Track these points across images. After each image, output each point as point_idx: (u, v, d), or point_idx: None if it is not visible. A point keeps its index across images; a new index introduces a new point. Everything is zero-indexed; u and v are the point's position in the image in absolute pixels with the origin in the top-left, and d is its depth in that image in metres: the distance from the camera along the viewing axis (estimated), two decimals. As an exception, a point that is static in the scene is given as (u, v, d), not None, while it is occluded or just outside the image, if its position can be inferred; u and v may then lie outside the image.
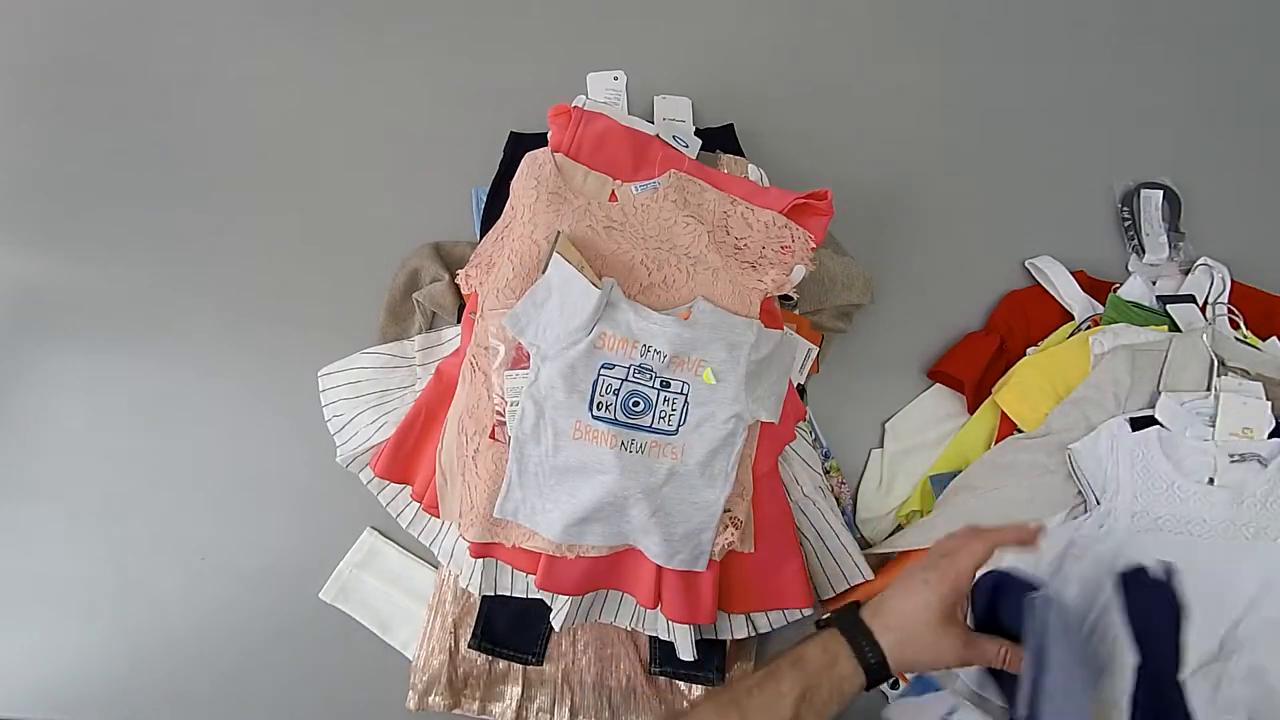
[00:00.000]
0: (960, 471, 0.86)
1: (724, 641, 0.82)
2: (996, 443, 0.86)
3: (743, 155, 0.95)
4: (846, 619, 0.62)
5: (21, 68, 1.04)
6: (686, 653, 0.78)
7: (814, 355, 0.89)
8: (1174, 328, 0.87)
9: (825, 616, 0.64)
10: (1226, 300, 0.89)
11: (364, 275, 0.94)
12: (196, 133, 1.01)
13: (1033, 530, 0.62)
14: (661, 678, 0.84)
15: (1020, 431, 0.86)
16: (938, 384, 0.93)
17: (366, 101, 1.02)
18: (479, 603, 0.85)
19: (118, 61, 1.04)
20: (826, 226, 0.84)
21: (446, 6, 1.05)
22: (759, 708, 0.58)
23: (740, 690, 0.60)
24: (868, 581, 0.82)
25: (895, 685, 0.84)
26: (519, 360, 0.78)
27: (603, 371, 0.76)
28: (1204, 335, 0.83)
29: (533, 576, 0.79)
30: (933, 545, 0.66)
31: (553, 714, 0.84)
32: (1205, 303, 0.89)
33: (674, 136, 0.91)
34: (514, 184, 0.85)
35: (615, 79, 1.01)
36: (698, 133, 0.95)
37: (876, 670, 0.60)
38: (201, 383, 0.94)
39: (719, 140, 0.96)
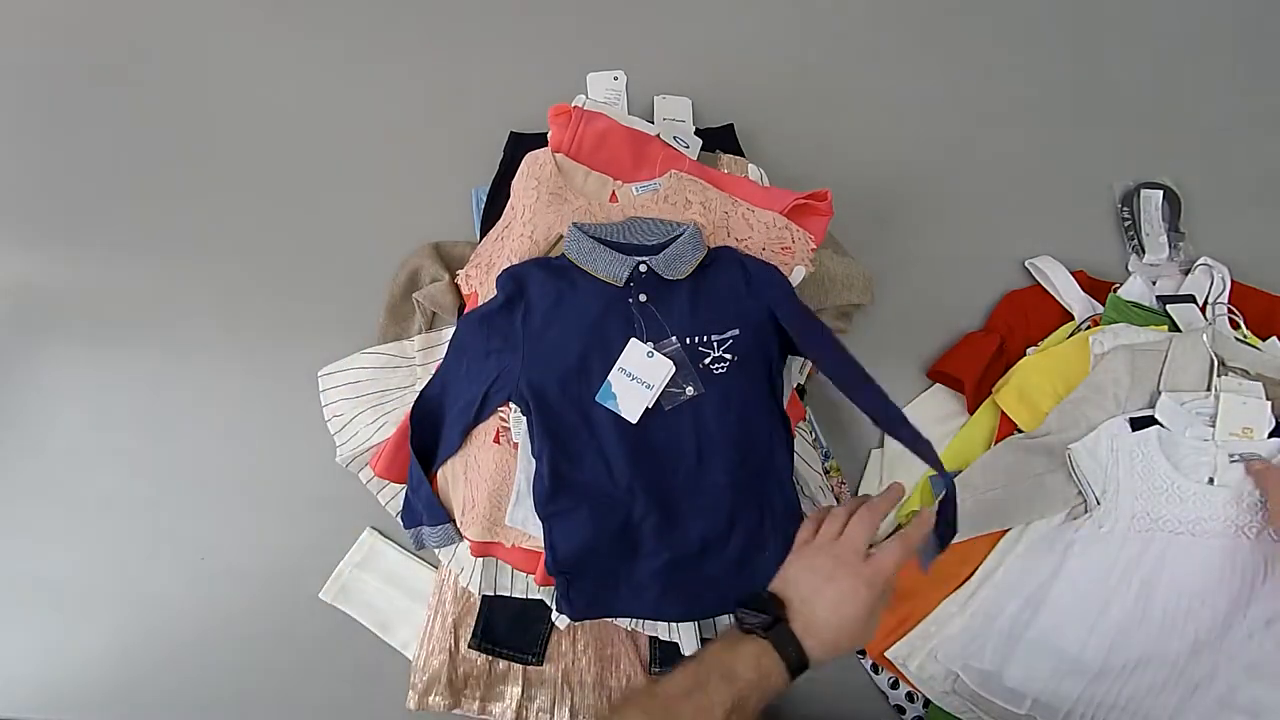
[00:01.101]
0: (960, 471, 0.86)
1: (724, 641, 0.82)
2: (996, 443, 0.86)
3: (743, 155, 0.95)
4: (781, 637, 0.63)
5: (22, 68, 1.04)
6: (690, 649, 0.78)
7: (814, 355, 0.89)
8: (1174, 328, 0.87)
9: (747, 622, 0.64)
10: (1226, 300, 0.89)
11: (364, 275, 0.94)
12: (197, 133, 1.01)
13: (898, 490, 0.72)
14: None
15: (1020, 431, 0.86)
16: (938, 384, 0.93)
17: (366, 102, 1.02)
18: (479, 603, 0.85)
19: (118, 63, 1.04)
20: (826, 227, 0.84)
21: (446, 6, 1.05)
22: (690, 717, 0.58)
23: (668, 698, 0.60)
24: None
25: (895, 685, 0.85)
26: (519, 360, 0.78)
27: (603, 372, 0.76)
28: (1204, 335, 0.83)
29: (533, 576, 0.79)
30: (821, 537, 0.69)
31: (553, 714, 0.84)
32: (1205, 303, 0.89)
33: (674, 137, 0.91)
34: (514, 184, 0.85)
35: (615, 79, 1.01)
36: (698, 133, 0.95)
37: (800, 671, 0.63)
38: (201, 383, 0.94)
39: (719, 140, 0.96)
